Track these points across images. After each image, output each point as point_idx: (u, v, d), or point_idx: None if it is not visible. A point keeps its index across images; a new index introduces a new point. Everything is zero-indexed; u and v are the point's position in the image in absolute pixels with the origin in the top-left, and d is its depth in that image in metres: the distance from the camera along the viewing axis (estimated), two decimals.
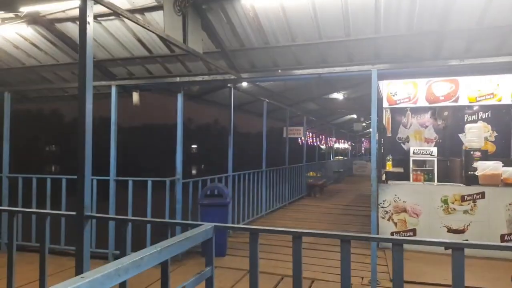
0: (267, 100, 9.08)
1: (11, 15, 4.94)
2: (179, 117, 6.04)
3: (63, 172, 6.27)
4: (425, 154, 6.35)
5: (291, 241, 2.22)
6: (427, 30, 4.63)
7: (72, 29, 5.23)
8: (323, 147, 19.74)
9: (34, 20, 5.06)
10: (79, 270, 2.57)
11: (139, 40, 5.33)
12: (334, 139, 21.09)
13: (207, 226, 2.23)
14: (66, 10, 4.88)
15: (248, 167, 8.14)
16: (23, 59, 6.05)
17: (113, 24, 5.08)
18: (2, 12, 4.76)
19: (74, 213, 2.73)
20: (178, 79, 5.99)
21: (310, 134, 16.81)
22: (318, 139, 17.83)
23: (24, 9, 4.72)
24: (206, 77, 5.96)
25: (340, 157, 22.93)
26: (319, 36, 4.99)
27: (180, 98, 6.09)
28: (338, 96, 10.43)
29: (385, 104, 6.51)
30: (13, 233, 2.82)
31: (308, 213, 9.48)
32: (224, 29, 5.05)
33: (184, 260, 5.23)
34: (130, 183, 5.57)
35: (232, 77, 5.81)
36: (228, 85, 6.91)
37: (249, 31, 5.05)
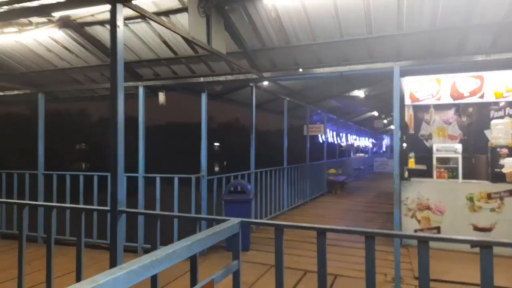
0: (288, 98, 9.12)
1: (44, 19, 5.20)
2: (203, 116, 6.18)
3: (92, 169, 6.56)
4: (449, 151, 6.24)
5: (312, 237, 2.28)
6: (451, 26, 4.57)
7: (100, 32, 5.45)
8: (343, 144, 19.57)
9: (65, 24, 5.30)
10: (113, 262, 2.73)
11: (165, 42, 5.50)
12: (355, 136, 20.87)
13: (234, 221, 2.33)
14: (95, 14, 5.09)
15: (269, 165, 8.23)
16: (55, 61, 6.34)
17: (140, 27, 5.26)
18: (36, 17, 5.03)
19: (107, 208, 2.90)
20: (201, 79, 6.13)
21: (331, 132, 16.71)
22: (338, 136, 17.71)
23: (56, 14, 4.98)
24: (229, 77, 6.07)
25: (360, 154, 22.67)
26: (340, 34, 5.01)
27: (204, 97, 6.24)
28: (359, 93, 10.35)
29: (407, 101, 6.44)
30: (52, 227, 3.00)
31: (329, 210, 9.49)
32: (246, 29, 5.14)
33: (209, 254, 5.38)
34: (158, 180, 5.76)
35: (254, 76, 5.90)
36: (250, 84, 7.01)
37: (270, 30, 5.12)
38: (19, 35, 5.51)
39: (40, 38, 5.73)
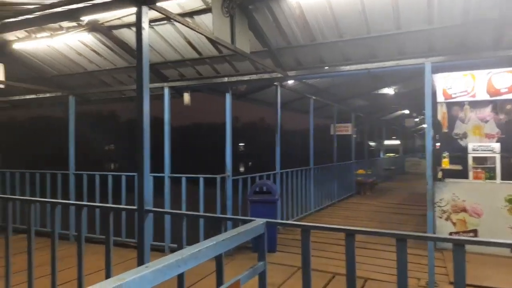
0: (314, 97, 8.98)
1: (74, 24, 5.36)
2: (228, 116, 6.17)
3: (120, 170, 6.71)
4: (486, 150, 5.93)
5: (341, 239, 2.20)
6: (486, 18, 4.33)
7: (127, 34, 5.56)
8: (372, 144, 19.11)
9: (94, 27, 5.44)
10: (140, 260, 2.75)
11: (189, 43, 5.53)
12: (385, 135, 20.33)
13: (259, 221, 2.28)
14: (122, 17, 5.19)
15: (295, 165, 8.13)
16: (85, 64, 6.53)
17: (165, 29, 5.32)
18: (67, 21, 5.18)
19: (135, 207, 2.92)
20: (226, 79, 6.12)
21: (359, 131, 16.35)
22: (367, 136, 17.30)
23: (85, 18, 5.11)
24: (253, 77, 6.03)
25: (391, 154, 22.05)
26: (368, 30, 4.86)
27: (228, 97, 6.23)
28: (389, 91, 10.05)
29: (440, 99, 6.17)
30: (82, 226, 3.06)
31: (358, 212, 9.26)
32: (270, 28, 5.09)
33: (235, 255, 5.36)
34: (184, 180, 5.80)
35: (279, 75, 5.84)
36: (275, 83, 6.93)
37: (295, 28, 5.04)
38: (50, 39, 5.71)
39: (71, 42, 5.91)
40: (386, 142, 21.25)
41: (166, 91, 6.26)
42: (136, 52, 3.08)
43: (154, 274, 1.42)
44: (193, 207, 5.65)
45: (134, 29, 5.37)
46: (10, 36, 5.81)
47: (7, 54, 6.24)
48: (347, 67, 5.45)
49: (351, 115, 12.54)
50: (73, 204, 3.86)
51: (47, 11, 3.79)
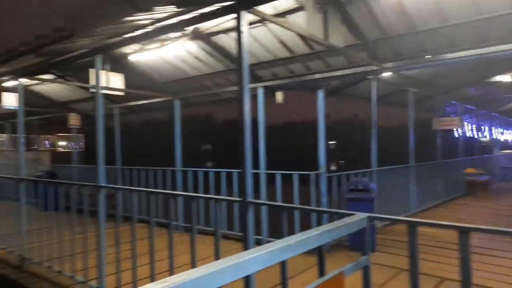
0: (413, 89, 8.38)
1: (178, 34, 5.92)
2: (320, 113, 6.12)
3: (216, 167, 7.21)
4: None
5: (448, 242, 2.04)
6: None
7: (224, 40, 5.93)
8: (485, 139, 16.97)
9: (195, 36, 5.94)
10: (246, 247, 2.96)
11: (282, 42, 5.67)
12: (501, 129, 17.85)
13: (361, 215, 2.25)
14: (219, 24, 5.56)
15: (391, 162, 7.69)
16: (187, 70, 7.16)
17: (258, 31, 5.54)
18: (172, 32, 5.74)
19: (239, 199, 3.14)
20: (317, 75, 6.09)
21: (468, 125, 14.66)
22: (480, 130, 15.41)
23: (189, 28, 5.62)
24: (347, 71, 5.88)
25: (509, 151, 19.27)
26: (477, 12, 4.40)
27: (320, 94, 6.18)
28: (504, 78, 8.84)
29: None
30: (194, 216, 3.38)
31: (468, 214, 8.35)
32: (365, 19, 4.93)
33: (332, 252, 5.31)
34: (279, 176, 5.95)
35: (375, 68, 5.60)
36: (369, 77, 6.66)
37: (391, 17, 4.81)
38: (159, 50, 6.41)
39: (176, 51, 6.54)
40: (503, 137, 18.64)
41: (260, 91, 6.46)
42: (235, 55, 3.27)
43: (267, 255, 1.54)
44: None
45: (230, 34, 5.72)
46: (127, 49, 6.69)
47: (125, 65, 7.18)
48: (454, 54, 4.98)
49: (457, 107, 11.36)
50: (180, 195, 4.28)
51: (158, 24, 4.26)
